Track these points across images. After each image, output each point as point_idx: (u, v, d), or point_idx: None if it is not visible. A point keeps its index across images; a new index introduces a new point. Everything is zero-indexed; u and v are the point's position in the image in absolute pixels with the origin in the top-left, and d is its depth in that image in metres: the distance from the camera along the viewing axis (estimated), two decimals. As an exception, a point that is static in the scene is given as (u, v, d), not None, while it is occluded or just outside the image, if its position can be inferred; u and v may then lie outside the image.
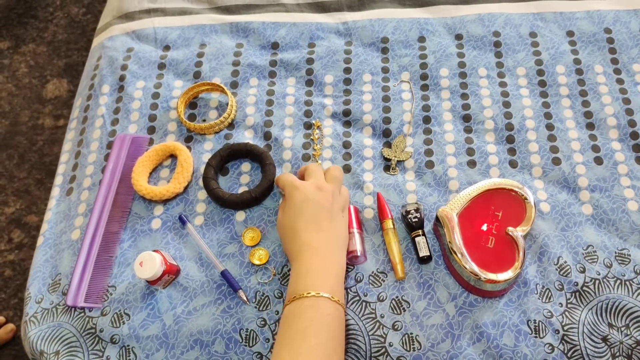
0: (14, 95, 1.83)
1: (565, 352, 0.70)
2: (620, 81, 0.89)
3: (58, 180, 0.90)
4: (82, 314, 0.76)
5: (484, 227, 0.74)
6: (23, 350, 1.45)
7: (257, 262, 0.77)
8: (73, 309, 0.77)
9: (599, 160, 0.82)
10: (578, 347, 0.70)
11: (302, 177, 0.78)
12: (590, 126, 0.85)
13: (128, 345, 0.74)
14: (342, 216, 0.75)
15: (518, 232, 0.73)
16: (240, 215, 0.81)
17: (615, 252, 0.76)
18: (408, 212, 0.77)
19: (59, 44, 1.93)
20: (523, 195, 0.75)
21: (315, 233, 0.71)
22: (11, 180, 1.67)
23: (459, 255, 0.71)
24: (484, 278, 0.69)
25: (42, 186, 1.62)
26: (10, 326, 1.47)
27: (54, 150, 1.69)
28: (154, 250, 0.74)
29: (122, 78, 0.94)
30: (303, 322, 0.63)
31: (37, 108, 1.80)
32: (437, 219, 0.75)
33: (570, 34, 0.94)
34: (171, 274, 0.75)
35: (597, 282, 0.74)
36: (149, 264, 0.72)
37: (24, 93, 1.83)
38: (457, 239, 0.72)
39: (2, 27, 1.98)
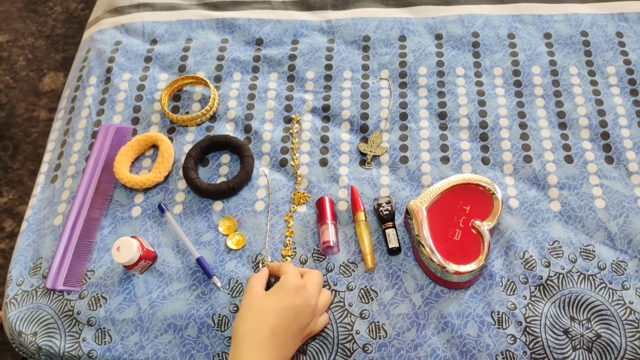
0: (11, 87, 1.86)
1: (527, 343, 0.72)
2: (594, 83, 0.91)
3: (44, 168, 0.92)
4: (61, 297, 0.79)
5: (452, 221, 0.76)
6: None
7: (233, 246, 0.79)
8: (52, 292, 0.79)
9: (569, 159, 0.84)
10: (540, 339, 0.72)
11: (273, 274, 0.74)
12: (563, 126, 0.87)
13: (104, 328, 0.76)
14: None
15: (484, 225, 0.75)
16: (217, 205, 0.83)
17: (581, 248, 0.78)
18: (380, 205, 0.79)
19: (57, 38, 1.96)
20: (491, 191, 0.77)
21: (292, 347, 0.67)
22: (5, 170, 1.69)
23: (427, 248, 0.73)
24: (450, 269, 0.71)
25: (35, 177, 1.65)
26: None
27: (47, 147, 1.71)
28: (132, 237, 0.76)
29: (109, 70, 0.97)
30: None
31: (33, 101, 1.82)
32: (407, 211, 0.78)
33: (547, 36, 0.96)
34: (148, 259, 0.77)
35: (561, 276, 0.76)
36: (126, 249, 0.74)
37: (21, 86, 1.86)
38: (425, 232, 0.74)
39: (2, 20, 2.01)
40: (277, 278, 0.71)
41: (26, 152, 1.72)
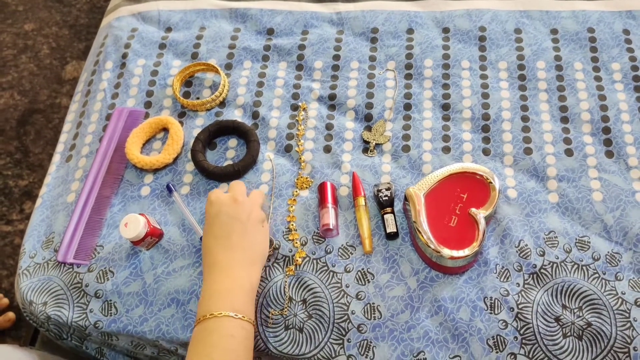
0: (35, 74, 1.91)
1: (518, 329, 0.74)
2: (598, 78, 0.92)
3: (59, 147, 0.96)
4: (71, 270, 0.82)
5: (449, 208, 0.77)
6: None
7: None
8: (63, 265, 0.83)
9: (569, 152, 0.85)
10: (531, 325, 0.73)
11: None
12: (565, 120, 0.88)
13: (110, 300, 0.79)
14: (262, 227, 0.77)
15: (480, 213, 0.76)
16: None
17: (576, 239, 0.79)
18: (379, 191, 0.82)
19: (80, 28, 2.01)
20: (488, 180, 0.79)
21: (224, 251, 0.72)
22: (26, 154, 1.74)
23: (423, 233, 0.75)
24: (445, 255, 0.73)
25: (55, 162, 1.70)
26: (10, 315, 1.48)
27: (63, 128, 1.76)
28: (140, 214, 0.80)
29: (124, 56, 1.00)
30: (207, 347, 0.64)
31: (56, 88, 1.87)
32: (406, 198, 0.80)
33: (554, 31, 0.97)
34: (154, 236, 0.80)
35: (555, 265, 0.77)
36: (133, 225, 0.77)
37: (44, 73, 1.91)
38: (422, 217, 0.76)
39: (28, 9, 2.07)
40: None
41: (47, 137, 1.77)
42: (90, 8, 2.04)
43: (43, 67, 1.93)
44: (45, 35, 2.00)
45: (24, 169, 1.72)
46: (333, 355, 0.75)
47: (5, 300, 1.50)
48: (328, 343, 0.75)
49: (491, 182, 0.78)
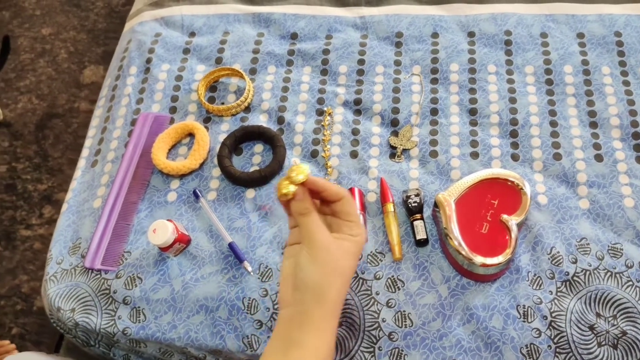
0: (53, 79, 1.92)
1: (552, 337, 0.73)
2: (626, 83, 0.91)
3: (84, 152, 0.96)
4: (98, 276, 0.82)
5: (480, 214, 0.77)
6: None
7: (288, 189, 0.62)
8: (90, 271, 0.82)
9: (599, 158, 0.84)
10: (565, 334, 0.73)
11: (317, 193, 0.64)
12: (594, 125, 0.87)
13: (139, 307, 0.79)
14: None
15: (512, 220, 0.75)
16: (250, 193, 0.86)
17: (609, 246, 0.78)
18: (408, 197, 0.81)
19: (98, 32, 2.02)
20: (519, 186, 0.78)
21: (340, 303, 0.63)
22: (45, 159, 1.75)
23: (454, 240, 0.74)
24: (477, 262, 0.73)
25: (74, 166, 1.68)
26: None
27: (87, 133, 1.76)
28: (168, 220, 0.79)
29: (148, 60, 1.00)
30: None
31: (74, 92, 1.88)
32: (435, 204, 0.79)
33: (580, 35, 0.96)
34: (182, 242, 0.80)
35: (587, 273, 0.76)
36: (162, 232, 0.77)
37: (62, 77, 1.92)
38: (453, 224, 0.76)
39: (45, 14, 2.08)
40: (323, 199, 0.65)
41: (67, 141, 1.78)
42: (108, 13, 2.05)
43: (61, 71, 1.94)
44: (63, 39, 2.01)
45: (43, 173, 1.73)
46: (363, 363, 0.74)
47: (12, 346, 1.41)
48: (359, 351, 0.74)
49: (522, 189, 0.78)
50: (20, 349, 1.36)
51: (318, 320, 0.59)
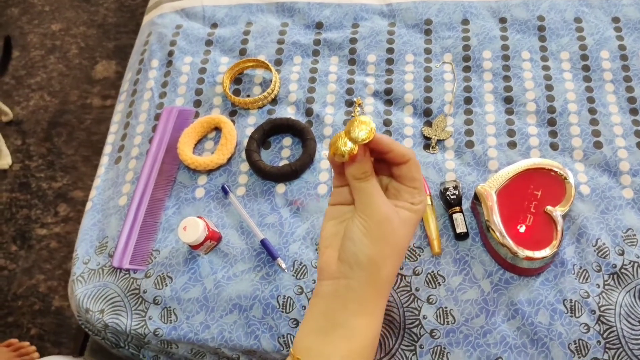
0: (64, 75, 1.89)
1: (601, 332, 0.70)
2: (667, 67, 0.87)
3: (107, 149, 0.93)
4: (127, 276, 0.79)
5: (523, 206, 0.74)
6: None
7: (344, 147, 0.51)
8: (118, 270, 0.80)
9: (642, 145, 0.81)
10: (614, 329, 0.70)
11: (378, 153, 0.54)
12: (634, 111, 0.84)
13: (170, 307, 0.77)
14: None
15: (557, 211, 0.73)
16: (280, 188, 0.83)
17: (656, 237, 0.75)
18: (446, 190, 0.78)
19: (108, 27, 1.99)
20: (563, 175, 0.75)
21: (392, 282, 0.56)
22: (59, 156, 1.73)
23: (497, 233, 0.72)
24: (522, 255, 0.70)
25: (88, 163, 1.68)
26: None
27: (101, 129, 1.74)
28: (198, 217, 0.77)
29: (170, 53, 0.97)
30: None
31: (86, 88, 1.85)
32: (475, 196, 0.76)
33: (615, 20, 0.93)
34: (213, 240, 0.78)
35: (635, 265, 0.73)
36: (193, 229, 0.74)
37: (74, 73, 1.89)
38: (495, 217, 0.73)
39: (54, 9, 2.05)
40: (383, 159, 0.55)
41: (80, 138, 1.75)
42: (118, 7, 2.02)
43: (72, 67, 1.91)
44: (73, 35, 1.98)
45: (57, 171, 1.70)
46: (405, 362, 0.71)
47: (32, 348, 1.35)
48: (399, 350, 0.72)
49: (566, 178, 0.75)
50: (40, 350, 1.35)
51: (367, 301, 0.53)
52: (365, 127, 0.50)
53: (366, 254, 0.52)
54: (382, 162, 0.55)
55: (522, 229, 0.72)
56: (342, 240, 0.54)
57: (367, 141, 0.50)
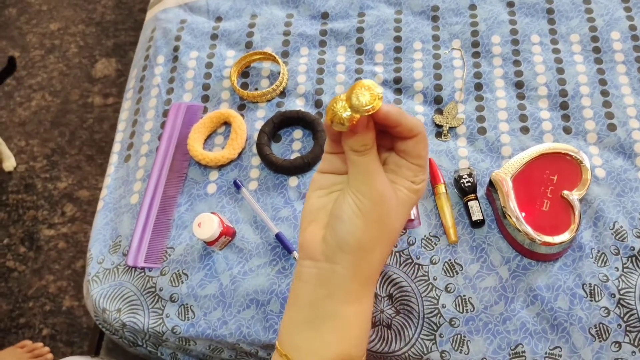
0: (64, 74, 1.88)
1: (622, 316, 0.69)
2: (678, 47, 0.87)
3: (116, 147, 0.93)
4: (142, 274, 0.79)
5: (539, 191, 0.73)
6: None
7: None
8: (133, 269, 0.80)
9: (656, 126, 0.81)
10: (635, 311, 0.69)
11: (384, 126, 0.47)
12: (647, 92, 0.84)
13: (187, 304, 0.76)
14: None
15: (574, 195, 0.72)
16: (293, 181, 0.82)
17: (673, 218, 0.75)
18: (461, 177, 0.77)
19: (107, 25, 1.97)
20: (578, 159, 0.74)
21: (382, 265, 0.52)
22: (63, 156, 1.72)
23: (514, 219, 0.71)
24: (540, 240, 0.69)
25: (92, 162, 1.67)
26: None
27: (103, 127, 1.73)
28: (212, 213, 0.76)
29: (176, 49, 0.96)
30: None
31: (87, 87, 1.84)
32: (490, 183, 0.75)
33: (625, 0, 0.92)
34: (227, 235, 0.77)
35: (654, 247, 0.73)
36: (207, 225, 0.74)
37: (74, 72, 1.88)
38: (511, 203, 0.72)
39: (52, 9, 2.04)
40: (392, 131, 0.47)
41: (82, 137, 1.75)
42: (116, 4, 2.01)
43: (72, 66, 1.90)
44: (72, 34, 1.97)
45: (61, 171, 1.70)
46: (425, 352, 0.71)
47: (46, 349, 1.36)
48: (419, 339, 0.71)
49: (582, 162, 0.74)
50: (53, 350, 1.35)
51: (354, 288, 0.48)
52: (374, 95, 0.42)
53: (357, 237, 0.47)
54: (384, 132, 0.49)
55: (540, 215, 0.72)
56: (329, 218, 0.49)
57: (371, 112, 0.42)
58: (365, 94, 0.42)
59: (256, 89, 0.91)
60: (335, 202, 0.49)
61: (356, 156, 0.46)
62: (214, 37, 0.97)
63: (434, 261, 0.75)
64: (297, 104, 0.89)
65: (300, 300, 0.50)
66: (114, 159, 0.91)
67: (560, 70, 0.86)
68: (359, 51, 0.92)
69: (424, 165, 0.49)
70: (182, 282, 0.77)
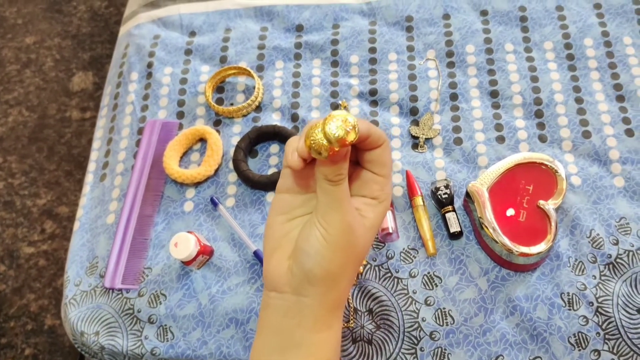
0: (41, 89, 1.86)
1: (600, 324, 0.70)
2: (650, 52, 0.87)
3: (91, 166, 0.92)
4: (120, 295, 0.78)
5: (515, 201, 0.73)
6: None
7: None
8: (111, 291, 0.79)
9: (630, 133, 0.81)
10: (613, 319, 0.70)
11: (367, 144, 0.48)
12: (620, 98, 0.84)
13: (165, 325, 0.75)
14: None
15: (550, 205, 0.72)
16: (270, 196, 0.82)
17: (649, 224, 0.75)
18: (438, 189, 0.77)
19: (83, 37, 1.95)
20: (553, 169, 0.75)
21: (349, 289, 0.56)
22: (41, 172, 1.70)
23: (491, 230, 0.71)
24: (517, 251, 0.69)
25: (71, 177, 1.65)
26: None
27: (81, 142, 1.71)
28: (188, 232, 0.75)
29: (149, 65, 0.96)
30: None
31: (64, 101, 1.82)
32: (467, 194, 0.75)
33: (597, 6, 0.92)
34: (205, 254, 0.76)
35: (630, 253, 0.73)
36: (184, 245, 0.73)
37: (51, 87, 1.86)
38: (488, 214, 0.72)
39: (27, 22, 2.01)
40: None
41: (61, 152, 1.73)
42: (92, 16, 1.99)
43: (49, 80, 1.88)
44: (48, 47, 1.95)
45: (40, 187, 1.68)
46: (406, 366, 0.71)
47: None
48: (400, 354, 0.71)
49: (557, 171, 0.74)
50: (35, 370, 1.33)
51: (324, 316, 0.49)
52: (351, 125, 0.42)
53: (324, 267, 0.47)
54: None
55: (516, 225, 0.72)
56: (295, 250, 0.48)
57: (352, 142, 0.43)
58: (348, 125, 0.42)
59: (232, 104, 0.90)
60: (300, 232, 0.49)
61: (329, 185, 0.46)
62: (188, 52, 0.96)
63: (413, 274, 0.75)
64: (273, 119, 0.88)
65: (269, 329, 0.50)
66: (89, 178, 0.90)
67: (535, 79, 0.87)
68: (334, 63, 0.92)
69: (389, 174, 0.50)
70: (161, 303, 0.76)
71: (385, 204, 0.50)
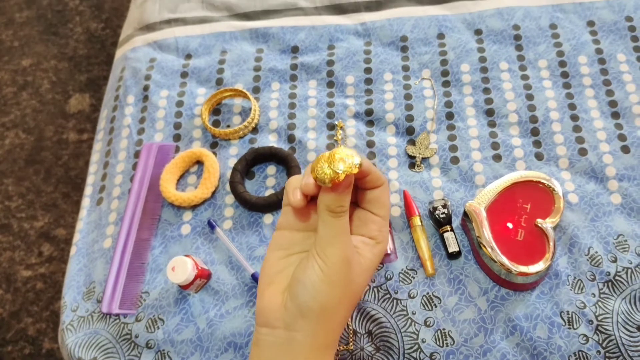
0: (38, 111, 1.87)
1: (600, 342, 0.69)
2: (644, 69, 0.88)
3: (88, 190, 0.91)
4: (117, 321, 0.77)
5: (513, 220, 0.73)
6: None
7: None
8: (108, 316, 0.78)
9: (625, 149, 0.81)
10: (613, 337, 0.69)
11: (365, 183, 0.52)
12: (616, 115, 0.85)
13: (163, 350, 0.75)
14: None
15: (547, 223, 0.72)
16: (268, 218, 0.82)
17: (647, 241, 0.75)
18: (435, 209, 0.77)
19: (79, 59, 1.96)
20: (551, 187, 0.75)
21: (344, 324, 0.54)
22: (39, 194, 1.69)
23: (489, 249, 0.71)
24: (515, 271, 0.69)
25: (68, 199, 1.65)
26: None
27: (79, 164, 1.71)
28: (185, 255, 0.75)
29: (146, 88, 0.96)
30: None
31: (61, 123, 1.83)
32: (465, 214, 0.75)
33: (590, 24, 0.93)
34: (203, 278, 0.76)
35: (629, 271, 0.73)
36: (181, 269, 0.73)
37: (47, 109, 1.87)
38: (486, 233, 0.72)
39: (24, 44, 2.02)
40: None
41: (58, 175, 1.72)
42: (88, 38, 2.00)
43: (46, 102, 1.88)
44: (45, 69, 1.95)
45: (37, 210, 1.67)
46: (407, 389, 0.70)
47: None
48: (401, 376, 0.71)
49: (554, 190, 0.74)
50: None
51: (317, 350, 0.49)
52: (352, 159, 0.47)
53: (319, 301, 0.47)
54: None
55: (515, 244, 0.72)
56: (291, 282, 0.49)
57: (355, 173, 0.47)
58: (350, 160, 0.46)
59: (228, 126, 0.90)
60: (298, 265, 0.49)
61: (330, 217, 0.47)
62: (184, 75, 0.97)
63: (412, 295, 0.74)
64: (270, 140, 0.88)
65: None
66: (86, 202, 0.90)
67: (530, 97, 0.87)
68: (330, 84, 0.93)
69: (387, 216, 0.52)
70: (158, 328, 0.76)
71: (382, 247, 0.52)
